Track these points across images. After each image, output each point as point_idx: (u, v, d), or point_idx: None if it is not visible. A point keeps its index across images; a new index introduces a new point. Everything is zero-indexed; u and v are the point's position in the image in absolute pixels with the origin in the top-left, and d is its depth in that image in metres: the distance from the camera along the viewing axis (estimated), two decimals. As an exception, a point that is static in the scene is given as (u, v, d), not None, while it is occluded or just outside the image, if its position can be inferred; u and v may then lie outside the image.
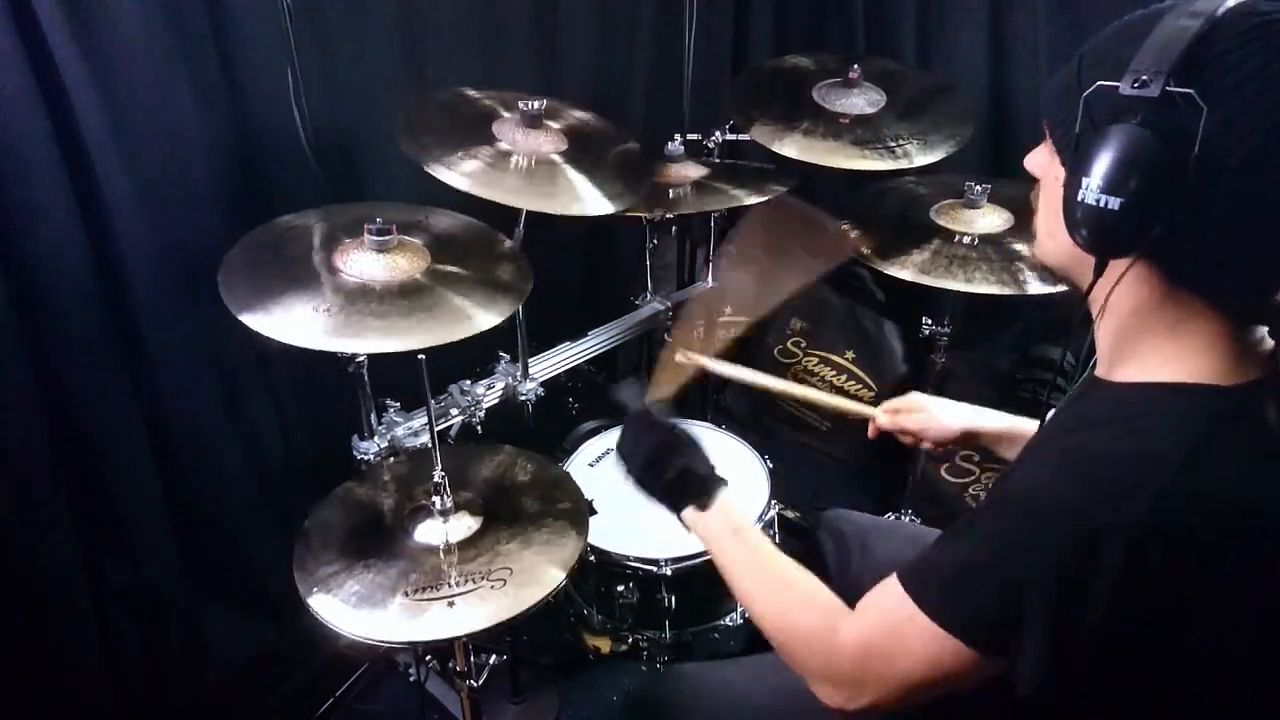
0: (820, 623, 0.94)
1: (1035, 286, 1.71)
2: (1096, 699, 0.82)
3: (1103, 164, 0.73)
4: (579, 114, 1.81)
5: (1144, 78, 0.72)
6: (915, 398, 1.40)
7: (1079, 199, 0.75)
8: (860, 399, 2.56)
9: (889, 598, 0.86)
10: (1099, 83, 0.76)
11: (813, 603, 0.98)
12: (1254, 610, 0.79)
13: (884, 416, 1.42)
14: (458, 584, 1.22)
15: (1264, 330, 0.80)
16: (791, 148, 1.86)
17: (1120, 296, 0.82)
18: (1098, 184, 0.74)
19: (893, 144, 1.87)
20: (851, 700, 0.90)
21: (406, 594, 1.20)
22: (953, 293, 1.76)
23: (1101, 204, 0.74)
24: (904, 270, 1.78)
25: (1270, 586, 0.79)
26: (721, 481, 1.12)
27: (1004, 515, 0.83)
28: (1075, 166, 0.76)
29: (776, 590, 1.02)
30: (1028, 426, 1.28)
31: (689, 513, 1.11)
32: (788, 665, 0.98)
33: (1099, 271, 0.80)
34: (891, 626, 0.86)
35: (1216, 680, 0.82)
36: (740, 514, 1.10)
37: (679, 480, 1.12)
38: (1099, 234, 0.76)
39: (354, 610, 1.18)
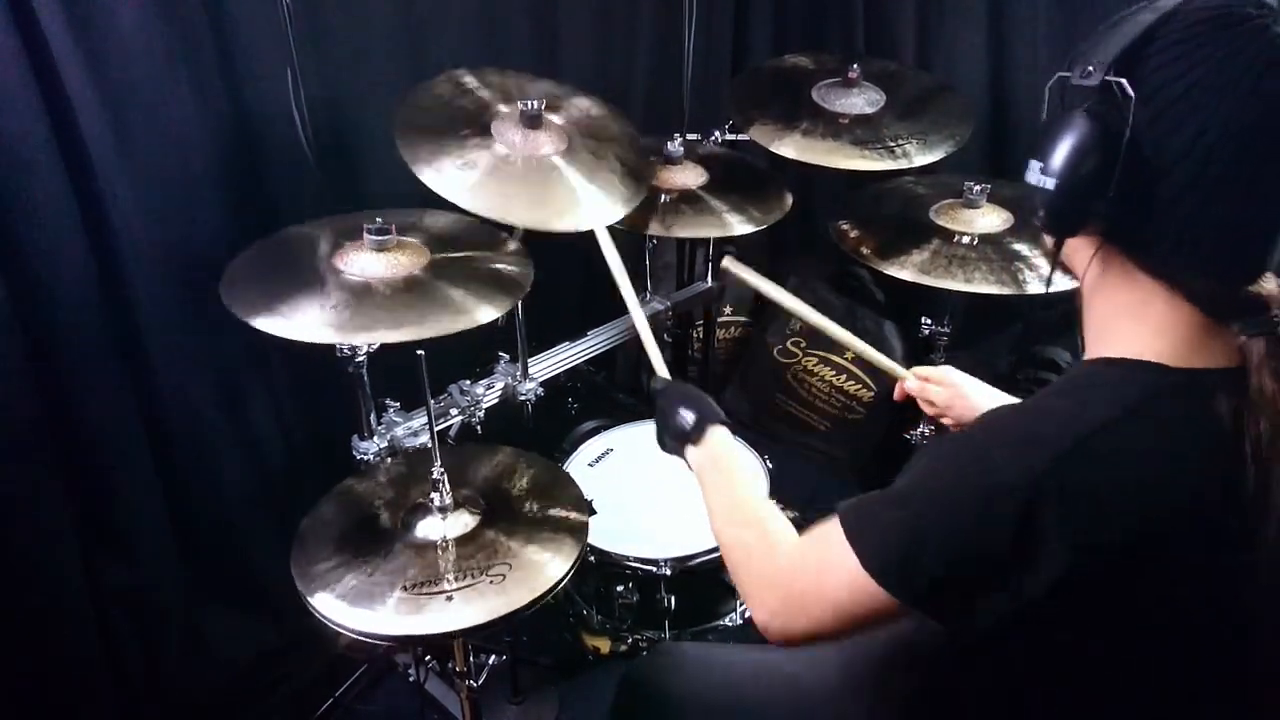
0: (765, 544, 0.99)
1: (1035, 286, 1.71)
2: (1014, 664, 0.83)
3: (1047, 147, 0.78)
4: (581, 101, 1.80)
5: (1089, 68, 0.76)
6: (949, 371, 1.38)
7: (1027, 180, 0.81)
8: (860, 399, 2.56)
9: (828, 525, 0.89)
10: (1058, 74, 0.80)
11: (764, 528, 1.02)
12: (1155, 591, 0.78)
13: (913, 381, 1.41)
14: (456, 579, 1.22)
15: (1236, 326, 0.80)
16: (791, 148, 1.86)
17: (1095, 283, 0.85)
18: (1039, 165, 0.79)
19: (892, 144, 1.87)
20: (785, 624, 0.91)
21: (405, 588, 1.20)
22: (952, 293, 1.76)
23: (1042, 185, 0.79)
24: (904, 270, 1.78)
25: (1172, 576, 0.78)
26: (715, 419, 1.17)
27: (931, 469, 0.85)
28: (1032, 152, 0.80)
29: (736, 514, 1.08)
30: None
31: (689, 452, 1.17)
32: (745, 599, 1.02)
33: (1055, 251, 0.84)
34: (822, 552, 0.88)
35: (1114, 653, 0.81)
36: (728, 449, 1.15)
37: (679, 425, 1.18)
38: (1043, 213, 0.81)
39: (352, 606, 1.18)
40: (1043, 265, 1.71)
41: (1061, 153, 0.77)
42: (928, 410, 1.39)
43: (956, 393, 1.35)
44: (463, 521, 1.32)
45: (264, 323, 1.26)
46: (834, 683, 1.12)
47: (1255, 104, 0.72)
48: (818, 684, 1.14)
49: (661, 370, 1.37)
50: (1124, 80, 0.74)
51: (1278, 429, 0.75)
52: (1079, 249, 0.84)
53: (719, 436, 1.16)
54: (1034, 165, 0.80)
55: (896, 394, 1.44)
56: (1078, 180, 0.76)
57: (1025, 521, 0.73)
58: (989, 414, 0.86)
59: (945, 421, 1.38)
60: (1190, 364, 0.79)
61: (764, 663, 1.21)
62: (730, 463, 1.14)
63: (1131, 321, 0.82)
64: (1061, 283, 0.98)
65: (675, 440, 1.19)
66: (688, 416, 1.18)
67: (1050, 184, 0.78)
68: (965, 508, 0.77)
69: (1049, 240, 0.85)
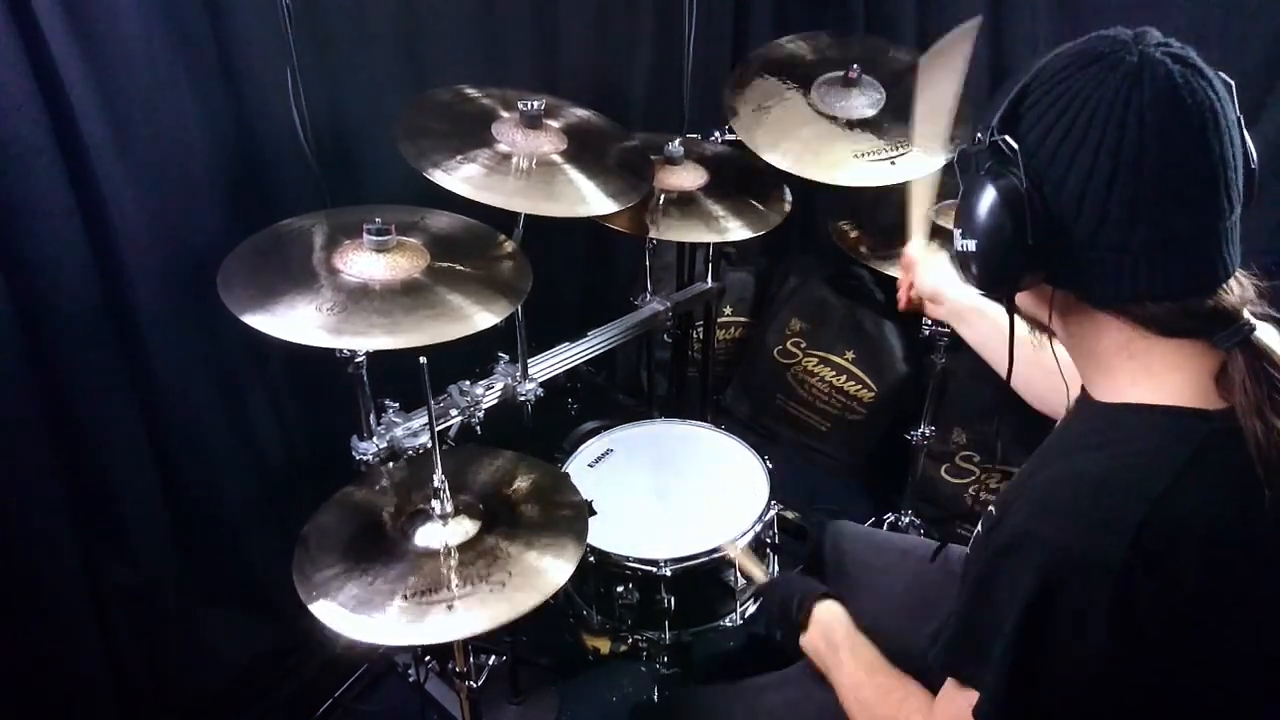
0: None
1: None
2: None
3: (962, 214, 0.82)
4: (579, 111, 1.81)
5: (978, 135, 0.82)
6: (933, 251, 1.42)
7: (956, 249, 0.84)
8: (860, 399, 2.56)
9: (952, 692, 0.87)
10: (961, 148, 0.86)
11: (890, 701, 1.01)
12: (1240, 640, 0.79)
13: (916, 249, 1.44)
14: (457, 587, 1.22)
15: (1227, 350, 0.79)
16: (788, 159, 1.84)
17: (1066, 330, 0.86)
18: (959, 232, 0.83)
19: (892, 152, 1.85)
20: None
21: (406, 597, 1.20)
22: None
23: (966, 248, 0.83)
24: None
25: (1254, 615, 0.79)
26: (812, 597, 1.17)
27: (995, 561, 0.83)
28: (955, 222, 0.84)
29: (863, 691, 1.06)
30: (993, 313, 1.30)
31: (803, 642, 1.17)
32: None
33: (1010, 309, 0.86)
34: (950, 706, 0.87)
35: (1209, 709, 0.81)
36: (833, 626, 1.14)
37: (781, 619, 1.20)
38: (979, 275, 0.83)
39: (354, 614, 1.18)
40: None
41: (975, 216, 0.80)
42: (901, 279, 1.45)
43: (921, 271, 1.40)
44: (463, 528, 1.32)
45: (257, 320, 1.25)
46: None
47: (1131, 126, 0.74)
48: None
49: (758, 577, 1.44)
50: (1006, 137, 0.78)
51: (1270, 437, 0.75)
52: (1034, 303, 0.86)
53: (822, 616, 1.16)
54: (956, 234, 0.84)
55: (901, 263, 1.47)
56: (996, 238, 0.79)
57: (1117, 597, 0.73)
58: (1026, 496, 0.84)
59: (902, 295, 1.45)
60: (1218, 404, 0.79)
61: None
62: (848, 646, 1.12)
63: (1130, 360, 0.82)
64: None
65: (789, 636, 1.20)
66: (789, 607, 1.19)
67: (972, 246, 0.81)
68: (1044, 593, 0.76)
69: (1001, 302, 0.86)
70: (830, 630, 1.11)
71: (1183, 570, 0.74)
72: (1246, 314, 0.78)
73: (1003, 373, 1.30)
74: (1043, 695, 0.78)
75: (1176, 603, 0.74)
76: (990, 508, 0.98)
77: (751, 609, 1.72)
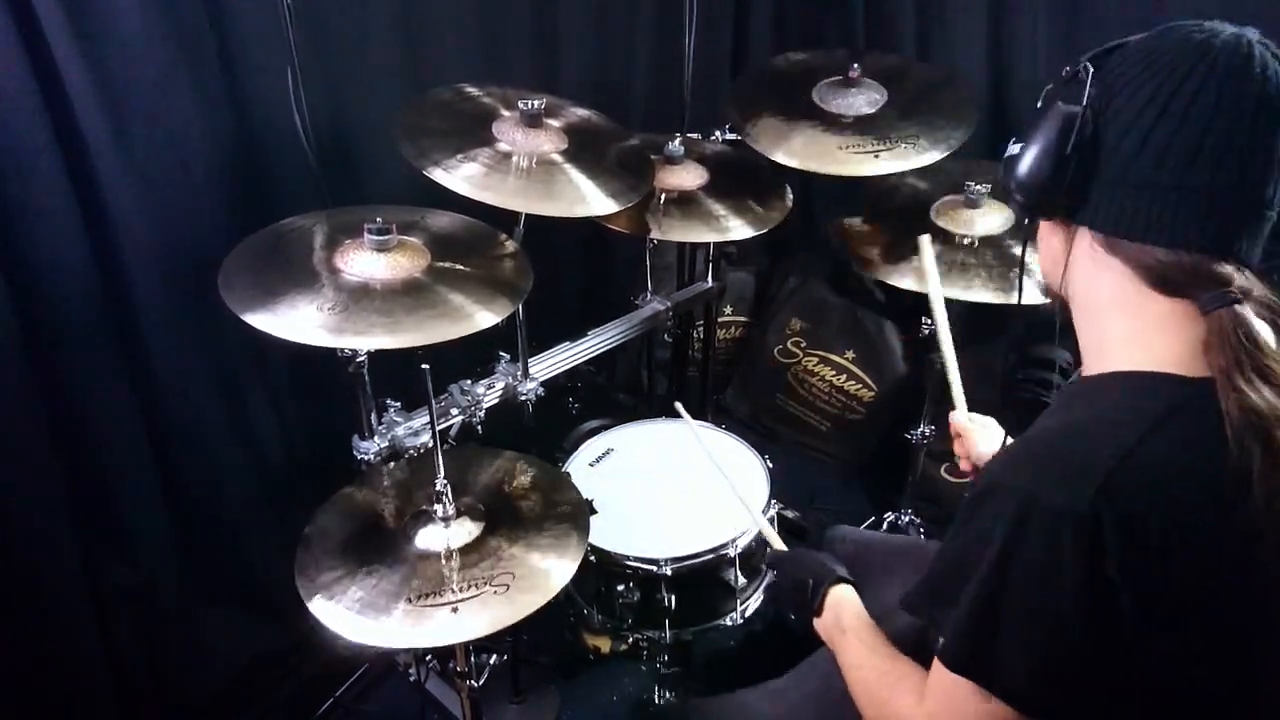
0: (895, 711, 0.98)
1: (1032, 295, 1.71)
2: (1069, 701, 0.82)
3: (1027, 133, 0.87)
4: (579, 111, 1.81)
5: (1070, 67, 0.86)
6: (984, 421, 1.39)
7: (1003, 157, 0.89)
8: (860, 399, 2.56)
9: (943, 682, 0.87)
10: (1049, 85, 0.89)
11: (890, 693, 0.99)
12: (1211, 604, 0.80)
13: (962, 417, 1.40)
14: (461, 590, 1.22)
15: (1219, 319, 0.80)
16: (793, 156, 1.85)
17: (1075, 276, 0.89)
18: (1013, 140, 0.88)
19: (892, 145, 1.86)
20: None
21: (410, 600, 1.20)
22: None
23: (1013, 153, 0.88)
24: (904, 279, 1.79)
25: (1224, 581, 0.80)
26: (830, 579, 1.14)
27: (967, 510, 0.85)
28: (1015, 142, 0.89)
29: (871, 679, 1.04)
30: None
31: (817, 626, 1.14)
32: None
33: (1030, 234, 0.93)
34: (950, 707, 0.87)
35: (1184, 675, 0.81)
36: (843, 610, 1.11)
37: (796, 600, 1.16)
38: (1016, 183, 0.87)
39: (358, 617, 1.18)
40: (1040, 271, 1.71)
41: (1032, 129, 0.85)
42: (959, 450, 1.40)
43: (972, 439, 1.36)
44: (466, 530, 1.32)
45: (258, 320, 1.25)
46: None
47: (1192, 82, 0.78)
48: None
49: (776, 543, 1.37)
50: (1087, 63, 0.83)
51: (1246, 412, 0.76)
52: (1056, 250, 0.90)
53: (834, 599, 1.13)
54: (1011, 147, 0.89)
55: (952, 430, 1.42)
56: (1040, 146, 0.84)
57: (1084, 546, 0.74)
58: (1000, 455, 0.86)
59: (964, 464, 1.39)
60: (1199, 372, 0.80)
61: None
62: (859, 633, 1.09)
63: (1128, 321, 0.85)
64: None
65: (801, 616, 1.16)
66: (804, 589, 1.15)
67: (1020, 153, 0.87)
68: (1016, 541, 0.78)
69: (1053, 255, 0.90)
70: (840, 613, 1.11)
71: (1151, 522, 0.75)
72: (1236, 285, 0.80)
73: None
74: (1006, 636, 0.79)
75: (1145, 556, 0.75)
76: None
77: (753, 608, 1.73)
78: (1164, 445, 0.78)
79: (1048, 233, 0.92)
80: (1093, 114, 0.82)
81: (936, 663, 0.87)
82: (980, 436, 1.36)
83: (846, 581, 1.15)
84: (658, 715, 1.79)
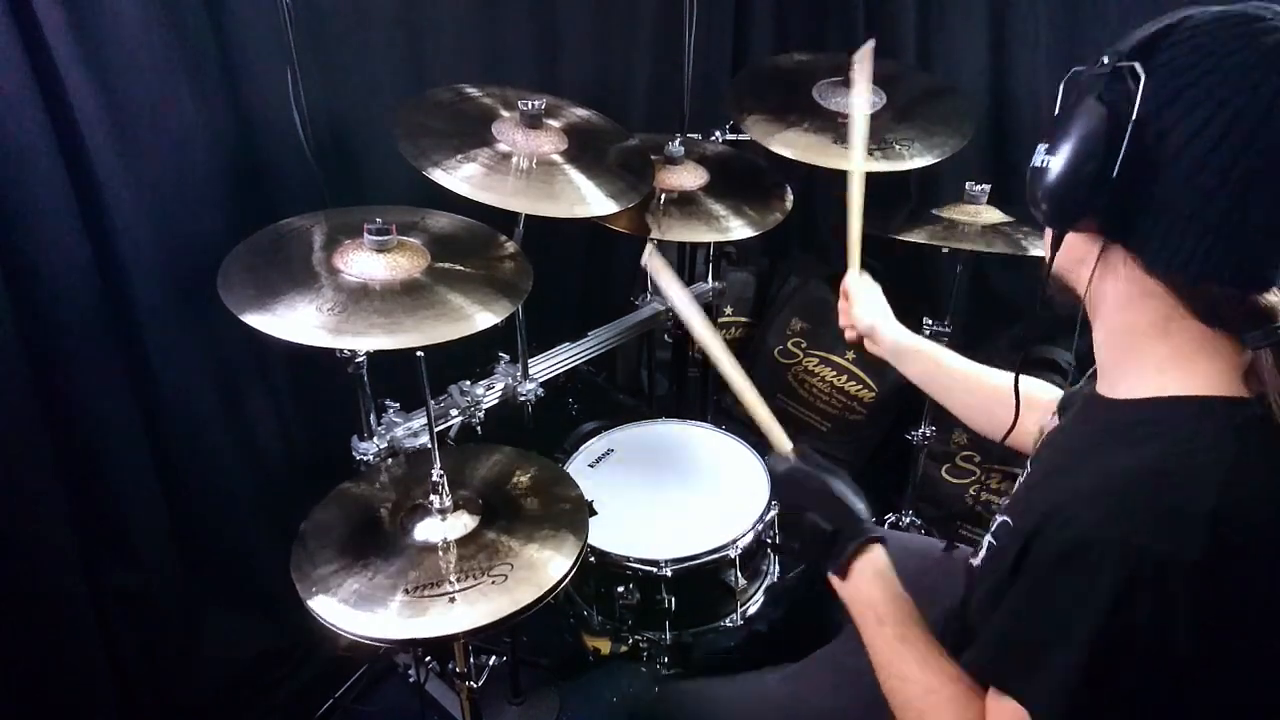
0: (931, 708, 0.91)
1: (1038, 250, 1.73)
2: None
3: (1057, 135, 0.78)
4: (579, 112, 1.81)
5: (1103, 59, 0.77)
6: (869, 284, 1.39)
7: (1033, 166, 0.80)
8: (861, 399, 2.56)
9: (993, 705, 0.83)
10: (1075, 68, 0.80)
11: (924, 688, 0.92)
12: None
13: (854, 276, 1.40)
14: (458, 581, 1.22)
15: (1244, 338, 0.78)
16: (789, 147, 1.86)
17: (1102, 291, 0.83)
18: (1045, 148, 0.79)
19: (891, 146, 1.86)
20: None
21: (407, 591, 1.20)
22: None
23: (1047, 168, 0.78)
24: (916, 236, 1.80)
25: None
26: (857, 535, 1.00)
27: (1055, 570, 0.77)
28: (1042, 142, 0.80)
29: (917, 693, 0.93)
30: (932, 350, 1.32)
31: (835, 584, 1.01)
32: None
33: (1055, 245, 0.83)
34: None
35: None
36: (882, 594, 0.97)
37: (810, 542, 1.03)
38: (1048, 199, 0.79)
39: (355, 610, 1.18)
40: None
41: (1067, 136, 0.76)
42: (842, 308, 1.41)
43: (856, 302, 1.38)
44: (462, 523, 1.32)
45: (258, 320, 1.25)
46: (831, 703, 1.11)
47: (1261, 101, 0.70)
48: (821, 706, 1.14)
49: (782, 443, 1.16)
50: (1135, 63, 0.74)
51: None
52: (1081, 254, 0.82)
53: (865, 567, 0.98)
54: (1040, 149, 0.80)
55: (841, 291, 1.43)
56: (1081, 163, 0.75)
57: (1198, 593, 0.70)
58: (1066, 492, 0.79)
59: (843, 320, 1.40)
60: (1250, 391, 0.77)
61: (780, 703, 1.20)
62: (886, 613, 0.96)
63: (1163, 345, 0.80)
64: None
65: (815, 564, 1.03)
66: (822, 538, 1.01)
67: (1054, 166, 0.77)
68: (1121, 598, 0.71)
69: (1048, 235, 0.84)
70: (873, 596, 0.97)
71: (1260, 558, 0.71)
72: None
73: (948, 406, 1.32)
74: (1113, 704, 0.74)
75: (1258, 596, 0.71)
76: (1003, 517, 0.94)
77: (753, 609, 1.72)
78: (1254, 475, 0.73)
79: (1073, 245, 0.84)
80: (1138, 127, 0.73)
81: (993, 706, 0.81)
82: (863, 297, 1.37)
83: (878, 540, 1.00)
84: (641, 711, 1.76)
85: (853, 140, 1.42)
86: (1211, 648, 0.72)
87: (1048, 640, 0.76)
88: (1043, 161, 0.79)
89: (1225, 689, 0.75)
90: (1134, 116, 0.73)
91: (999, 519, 0.96)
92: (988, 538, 0.99)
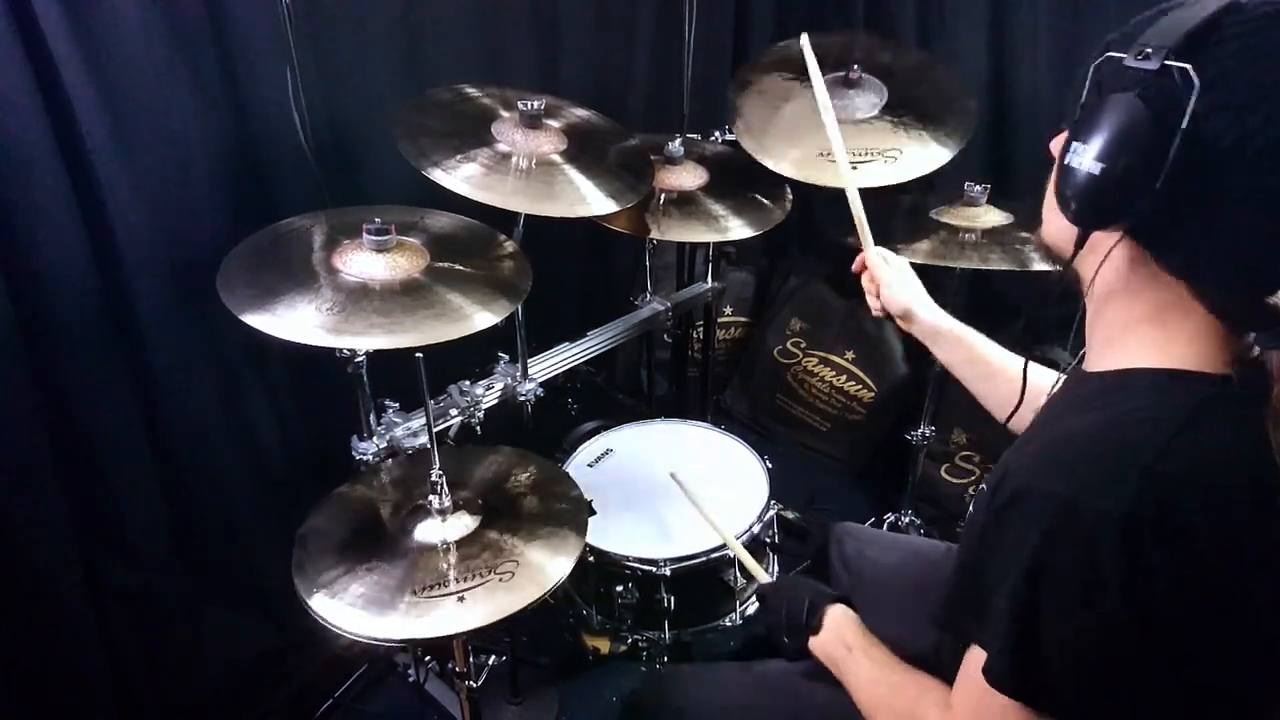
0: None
1: (1041, 265, 1.71)
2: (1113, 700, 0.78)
3: (1093, 130, 0.74)
4: (579, 112, 1.81)
5: (1147, 51, 0.72)
6: (898, 262, 1.38)
7: (1066, 163, 0.77)
8: (860, 399, 2.56)
9: (979, 699, 0.83)
10: (1108, 54, 0.77)
11: (909, 700, 0.97)
12: (1260, 609, 0.77)
13: (872, 254, 1.39)
14: (464, 580, 1.22)
15: (1252, 337, 0.78)
16: (787, 164, 1.85)
17: (1108, 279, 0.82)
18: (1083, 148, 0.75)
19: (869, 158, 1.85)
20: None
21: (414, 591, 1.20)
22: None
23: (1085, 168, 0.75)
24: (914, 256, 1.78)
25: (1259, 579, 0.77)
26: (825, 600, 1.13)
27: (997, 517, 0.80)
28: (1072, 133, 0.77)
29: (879, 690, 1.02)
30: (967, 335, 1.31)
31: (813, 645, 1.12)
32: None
33: (1079, 244, 0.80)
34: (981, 707, 0.84)
35: (1232, 681, 0.80)
36: (846, 628, 1.10)
37: (789, 625, 1.14)
38: (1081, 200, 0.77)
39: (362, 612, 1.18)
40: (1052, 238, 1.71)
41: (1111, 137, 0.73)
42: (867, 289, 1.40)
43: (889, 281, 1.36)
44: (462, 523, 1.32)
45: (257, 320, 1.25)
46: (832, 692, 1.12)
47: None
48: (817, 691, 1.15)
49: (761, 577, 1.37)
50: (1188, 66, 0.70)
51: None
52: (1095, 244, 0.81)
53: (835, 616, 1.11)
54: (1077, 147, 0.75)
55: (855, 265, 1.42)
56: (1127, 168, 0.72)
57: (1127, 550, 0.71)
58: (1023, 457, 0.81)
59: (872, 302, 1.39)
60: (1222, 370, 0.78)
61: (775, 688, 1.22)
62: (850, 638, 1.08)
63: (1155, 329, 0.80)
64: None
65: (796, 639, 1.14)
66: (799, 613, 1.13)
67: (1096, 169, 0.74)
68: (1060, 550, 0.74)
69: (1066, 235, 0.81)
70: (843, 632, 1.09)
71: (1190, 523, 0.72)
72: None
73: (977, 394, 1.32)
74: (1050, 651, 0.76)
75: (1188, 559, 0.72)
76: (983, 486, 0.96)
77: (752, 609, 1.72)
78: (1198, 444, 0.74)
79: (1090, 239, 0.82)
80: (1187, 136, 0.70)
81: (968, 677, 0.83)
82: (892, 278, 1.35)
83: (842, 601, 1.13)
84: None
85: (825, 120, 1.42)
86: (1150, 609, 0.72)
87: (991, 586, 0.79)
88: (1077, 161, 0.75)
89: (1176, 660, 0.75)
90: (1185, 124, 0.70)
91: (980, 488, 0.98)
92: (981, 488, 1.00)
